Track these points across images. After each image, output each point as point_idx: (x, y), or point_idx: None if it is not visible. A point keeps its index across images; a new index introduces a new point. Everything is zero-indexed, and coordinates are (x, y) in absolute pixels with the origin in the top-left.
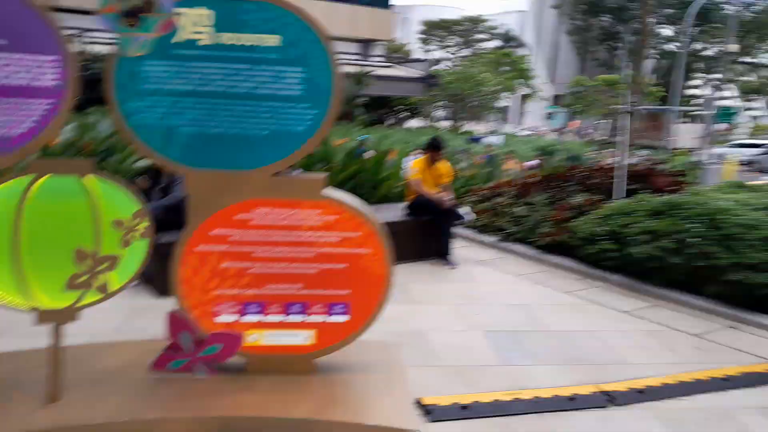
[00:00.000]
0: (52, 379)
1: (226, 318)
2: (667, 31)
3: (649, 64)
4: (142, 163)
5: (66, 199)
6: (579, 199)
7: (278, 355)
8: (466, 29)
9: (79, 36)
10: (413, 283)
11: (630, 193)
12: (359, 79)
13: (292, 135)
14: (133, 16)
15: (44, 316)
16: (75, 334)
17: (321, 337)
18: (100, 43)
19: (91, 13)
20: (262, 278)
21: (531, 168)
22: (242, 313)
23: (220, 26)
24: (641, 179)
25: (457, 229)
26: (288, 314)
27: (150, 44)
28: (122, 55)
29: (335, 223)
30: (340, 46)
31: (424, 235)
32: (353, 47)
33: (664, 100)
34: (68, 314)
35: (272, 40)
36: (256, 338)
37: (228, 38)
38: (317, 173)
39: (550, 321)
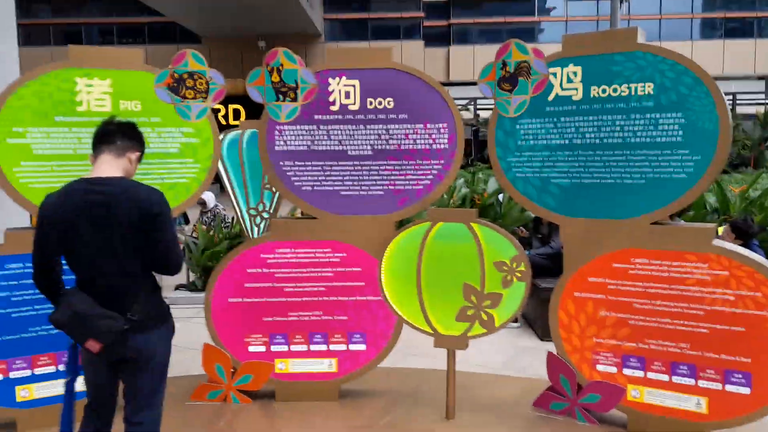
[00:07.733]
0: (449, 399)
1: (605, 368)
2: None
3: None
4: (530, 214)
5: (456, 241)
6: None
7: (663, 417)
8: None
9: (472, 104)
10: None
11: None
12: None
13: (671, 183)
14: (508, 82)
15: (440, 340)
16: (467, 361)
17: (715, 407)
18: (489, 109)
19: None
20: (642, 332)
21: None
22: (622, 366)
23: (591, 80)
24: None
25: None
26: (674, 375)
27: (525, 105)
28: (501, 116)
29: (728, 279)
30: (743, 86)
31: None
32: (760, 85)
33: None
34: (459, 342)
35: (645, 88)
36: (637, 395)
37: (600, 91)
38: (706, 223)
39: None
